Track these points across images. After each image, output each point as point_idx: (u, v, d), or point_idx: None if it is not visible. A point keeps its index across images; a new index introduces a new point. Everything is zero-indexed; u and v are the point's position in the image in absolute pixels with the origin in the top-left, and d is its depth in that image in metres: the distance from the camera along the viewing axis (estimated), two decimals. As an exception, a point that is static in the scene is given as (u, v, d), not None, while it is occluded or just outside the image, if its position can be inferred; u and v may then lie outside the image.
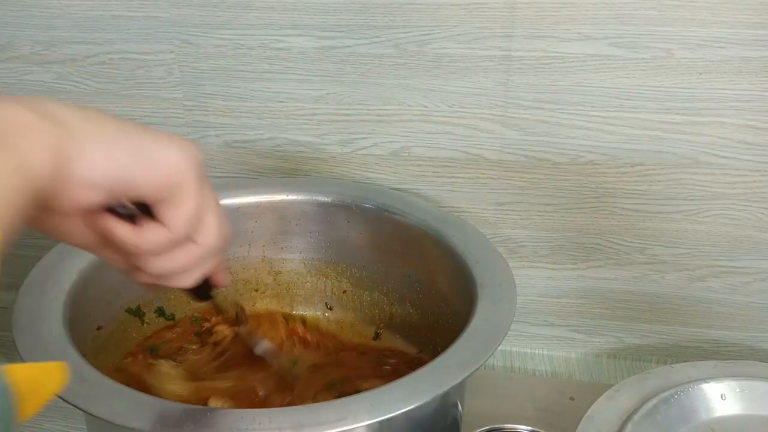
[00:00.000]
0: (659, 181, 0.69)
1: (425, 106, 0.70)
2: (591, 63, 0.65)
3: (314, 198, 0.70)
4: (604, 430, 0.57)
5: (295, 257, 0.73)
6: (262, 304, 0.73)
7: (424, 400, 0.46)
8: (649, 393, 0.60)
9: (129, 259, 0.42)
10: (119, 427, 0.43)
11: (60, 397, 0.44)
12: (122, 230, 0.39)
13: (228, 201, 0.69)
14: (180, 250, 0.41)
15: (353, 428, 0.44)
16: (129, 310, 0.65)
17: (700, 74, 0.64)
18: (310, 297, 0.74)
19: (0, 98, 0.34)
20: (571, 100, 0.67)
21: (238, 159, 0.76)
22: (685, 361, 0.65)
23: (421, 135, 0.71)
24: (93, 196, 0.36)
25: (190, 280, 0.43)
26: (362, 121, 0.72)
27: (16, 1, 0.71)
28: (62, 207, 0.36)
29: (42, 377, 0.33)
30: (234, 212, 0.69)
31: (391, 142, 0.72)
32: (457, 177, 0.72)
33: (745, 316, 0.74)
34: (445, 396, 0.49)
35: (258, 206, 0.70)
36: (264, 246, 0.72)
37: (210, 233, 0.42)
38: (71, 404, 0.44)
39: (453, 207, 0.74)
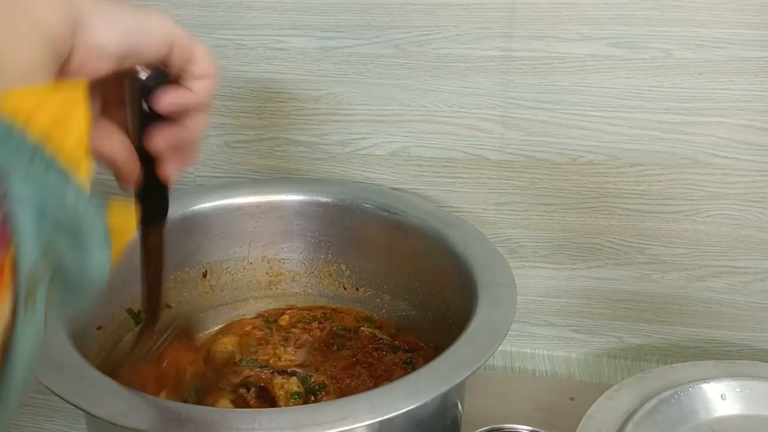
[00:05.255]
0: (659, 181, 0.69)
1: (425, 106, 0.70)
2: (591, 63, 0.65)
3: (314, 198, 0.70)
4: (604, 430, 0.57)
5: (295, 257, 0.73)
6: (263, 304, 0.73)
7: (425, 400, 0.45)
8: (649, 393, 0.60)
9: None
10: (119, 427, 0.43)
11: (60, 397, 0.45)
12: (176, 92, 0.40)
13: (228, 201, 0.69)
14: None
15: (353, 428, 0.44)
16: (129, 311, 0.65)
17: (700, 74, 0.64)
18: (310, 297, 0.74)
19: None
20: (571, 100, 0.67)
21: (238, 159, 0.76)
22: (685, 361, 0.65)
23: (421, 135, 0.71)
24: (105, 65, 0.36)
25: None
26: (362, 121, 0.72)
27: (16, 1, 0.71)
28: (76, 74, 0.36)
29: (122, 221, 0.35)
30: (234, 212, 0.69)
31: (391, 142, 0.72)
32: (457, 177, 0.72)
33: (745, 316, 0.74)
34: (445, 396, 0.49)
35: (258, 206, 0.70)
36: (264, 246, 0.72)
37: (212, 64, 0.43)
38: (71, 404, 0.44)
39: (453, 207, 0.74)
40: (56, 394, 0.45)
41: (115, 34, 0.36)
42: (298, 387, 0.60)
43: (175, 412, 0.44)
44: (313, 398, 0.60)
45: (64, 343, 0.50)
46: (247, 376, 0.60)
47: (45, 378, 0.46)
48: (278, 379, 0.60)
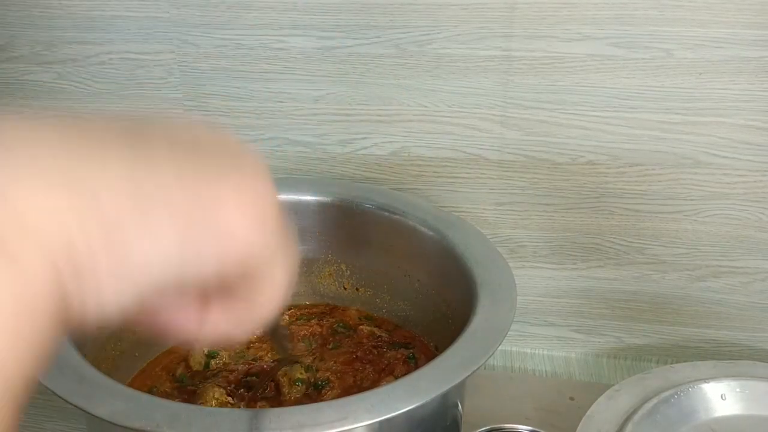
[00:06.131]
0: (659, 181, 0.69)
1: (425, 106, 0.70)
2: (591, 63, 0.65)
3: (314, 198, 0.70)
4: (604, 430, 0.57)
5: (295, 257, 0.72)
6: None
7: (425, 400, 0.45)
8: (649, 393, 0.60)
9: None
10: (119, 427, 0.43)
11: (60, 397, 0.45)
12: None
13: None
14: None
15: (353, 428, 0.44)
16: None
17: (700, 74, 0.64)
18: (310, 297, 0.74)
19: None
20: (571, 100, 0.67)
21: (238, 159, 0.75)
22: (685, 361, 0.65)
23: (421, 135, 0.71)
24: (114, 318, 0.25)
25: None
26: (362, 121, 0.72)
27: (16, 1, 0.71)
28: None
29: None
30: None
31: (391, 142, 0.72)
32: (457, 177, 0.72)
33: (745, 316, 0.74)
34: (445, 396, 0.49)
35: (258, 206, 0.70)
36: (264, 246, 0.72)
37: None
38: (71, 404, 0.44)
39: (453, 207, 0.74)
40: (56, 394, 0.45)
41: (133, 289, 0.24)
42: (301, 374, 0.60)
43: (175, 412, 0.44)
44: (317, 394, 0.60)
45: (64, 343, 0.50)
46: (250, 366, 0.60)
47: (45, 378, 0.46)
48: (282, 367, 0.60)
